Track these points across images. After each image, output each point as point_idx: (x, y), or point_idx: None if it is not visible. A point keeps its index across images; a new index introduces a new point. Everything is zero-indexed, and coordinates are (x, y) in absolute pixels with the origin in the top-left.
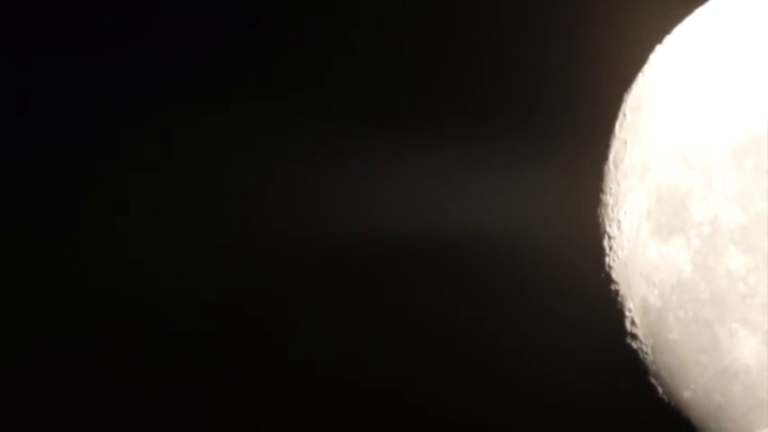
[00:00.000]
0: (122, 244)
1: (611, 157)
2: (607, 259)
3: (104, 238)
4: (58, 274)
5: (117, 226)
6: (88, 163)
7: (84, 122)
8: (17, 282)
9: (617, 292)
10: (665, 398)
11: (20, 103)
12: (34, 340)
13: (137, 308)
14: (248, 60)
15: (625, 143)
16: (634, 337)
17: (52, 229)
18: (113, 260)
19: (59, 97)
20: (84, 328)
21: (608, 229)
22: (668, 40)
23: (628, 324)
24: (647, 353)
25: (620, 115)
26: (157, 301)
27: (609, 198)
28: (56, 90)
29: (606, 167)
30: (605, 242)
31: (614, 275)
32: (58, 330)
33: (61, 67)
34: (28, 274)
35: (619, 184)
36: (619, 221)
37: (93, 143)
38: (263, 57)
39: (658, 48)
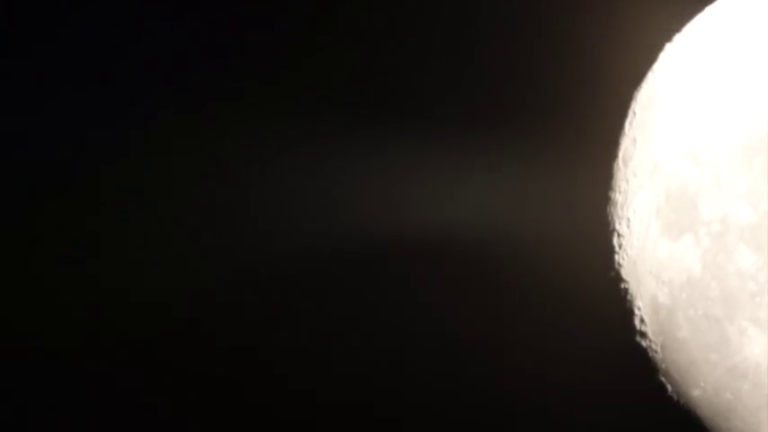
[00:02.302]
0: (114, 243)
1: (621, 154)
2: (616, 257)
3: (97, 238)
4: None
5: (110, 227)
6: (73, 163)
7: (72, 121)
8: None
9: (626, 290)
10: (675, 396)
11: (19, 102)
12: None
13: (131, 308)
14: (236, 60)
15: (635, 141)
16: (643, 335)
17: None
18: (106, 260)
19: (50, 95)
20: (75, 330)
21: (617, 227)
22: (678, 38)
23: (637, 322)
24: (656, 351)
25: (630, 113)
26: (151, 299)
27: (618, 196)
28: (47, 88)
29: (616, 165)
30: (615, 240)
31: (624, 274)
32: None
33: (55, 65)
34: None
35: (628, 182)
36: (628, 219)
37: (81, 143)
38: (252, 56)
39: (668, 46)
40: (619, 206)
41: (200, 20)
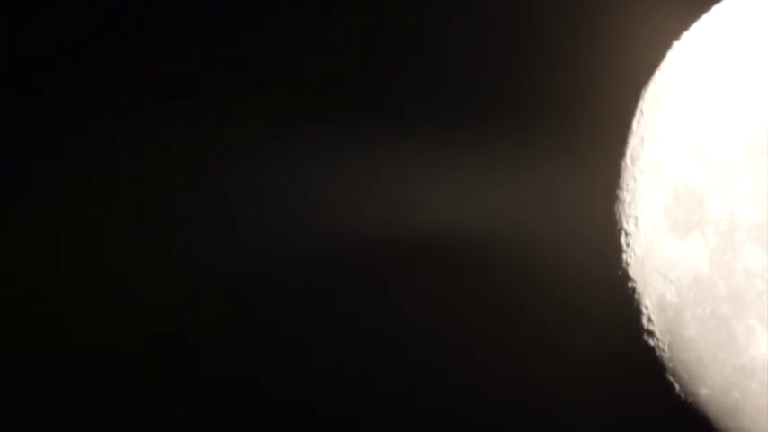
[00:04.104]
0: (114, 243)
1: (629, 153)
2: (624, 256)
3: (97, 236)
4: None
5: (109, 227)
6: (71, 164)
7: (71, 122)
8: None
9: (634, 289)
10: (683, 395)
11: (20, 101)
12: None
13: (132, 309)
14: (245, 60)
15: (642, 140)
16: (651, 334)
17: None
18: (107, 258)
19: (51, 96)
20: (79, 331)
21: (625, 225)
22: (686, 37)
23: (645, 321)
24: (664, 350)
25: (638, 112)
26: (154, 298)
27: (626, 194)
28: (49, 89)
29: (623, 164)
30: (622, 239)
31: (631, 272)
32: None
33: (54, 66)
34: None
35: (636, 181)
36: (636, 218)
37: (80, 143)
38: (261, 57)
39: (676, 45)
40: (626, 205)
41: (197, 19)
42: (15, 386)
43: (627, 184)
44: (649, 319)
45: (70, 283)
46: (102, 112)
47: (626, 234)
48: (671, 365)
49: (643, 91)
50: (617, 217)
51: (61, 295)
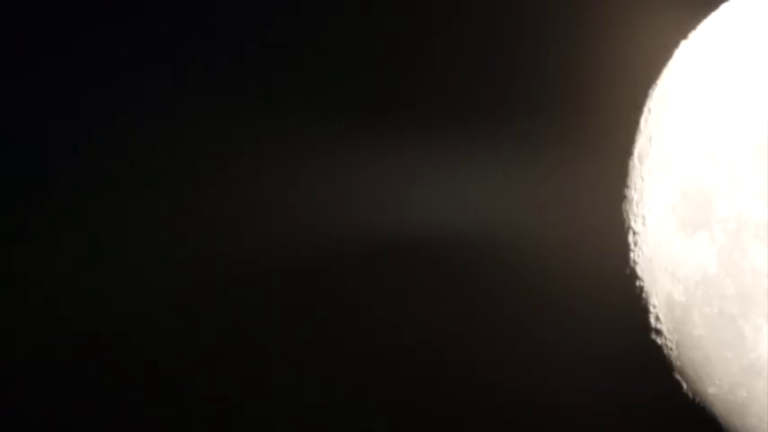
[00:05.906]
0: (112, 243)
1: (636, 152)
2: (632, 255)
3: (96, 237)
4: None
5: (108, 227)
6: (76, 163)
7: (70, 122)
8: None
9: (641, 287)
10: (690, 394)
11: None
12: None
13: (132, 309)
14: (244, 59)
15: (650, 138)
16: (659, 332)
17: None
18: (109, 258)
19: (50, 95)
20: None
21: (633, 224)
22: (693, 35)
23: (652, 320)
24: (671, 348)
25: (646, 110)
26: (152, 300)
27: (633, 193)
28: (48, 88)
29: (631, 163)
30: (630, 238)
31: (639, 271)
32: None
33: (53, 65)
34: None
35: (643, 180)
36: (643, 217)
37: (82, 142)
38: (260, 56)
39: (683, 43)
40: (634, 203)
41: (196, 19)
42: (15, 386)
43: (635, 183)
44: (657, 318)
45: (69, 283)
46: (101, 111)
47: (633, 233)
48: (678, 364)
49: (651, 89)
50: (624, 216)
51: (60, 295)
